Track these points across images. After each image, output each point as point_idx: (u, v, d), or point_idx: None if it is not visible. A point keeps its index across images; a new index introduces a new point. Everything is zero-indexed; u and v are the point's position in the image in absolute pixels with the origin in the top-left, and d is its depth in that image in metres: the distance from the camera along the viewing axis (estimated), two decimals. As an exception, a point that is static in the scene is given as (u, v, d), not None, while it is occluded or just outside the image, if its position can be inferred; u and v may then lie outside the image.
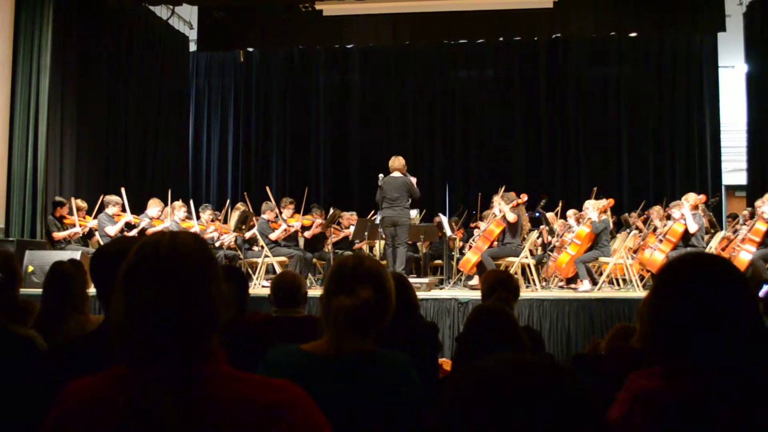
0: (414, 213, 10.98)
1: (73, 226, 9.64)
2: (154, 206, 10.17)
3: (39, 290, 3.84)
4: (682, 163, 14.85)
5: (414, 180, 9.34)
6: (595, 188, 10.67)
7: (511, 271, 8.62)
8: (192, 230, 9.86)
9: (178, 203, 10.31)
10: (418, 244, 10.78)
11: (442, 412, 0.88)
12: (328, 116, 16.23)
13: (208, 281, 1.32)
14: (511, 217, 9.18)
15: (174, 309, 1.26)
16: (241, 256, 10.22)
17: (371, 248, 11.33)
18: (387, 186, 9.15)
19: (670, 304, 1.59)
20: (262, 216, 10.31)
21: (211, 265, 1.35)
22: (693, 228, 8.81)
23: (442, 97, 15.85)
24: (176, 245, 1.32)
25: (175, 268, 1.30)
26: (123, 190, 9.95)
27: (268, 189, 11.14)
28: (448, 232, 10.29)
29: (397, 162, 9.26)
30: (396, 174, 9.20)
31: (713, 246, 9.49)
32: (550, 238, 10.88)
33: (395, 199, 9.09)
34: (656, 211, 10.47)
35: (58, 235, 9.53)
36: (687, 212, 8.87)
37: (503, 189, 9.81)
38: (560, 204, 11.58)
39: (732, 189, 15.04)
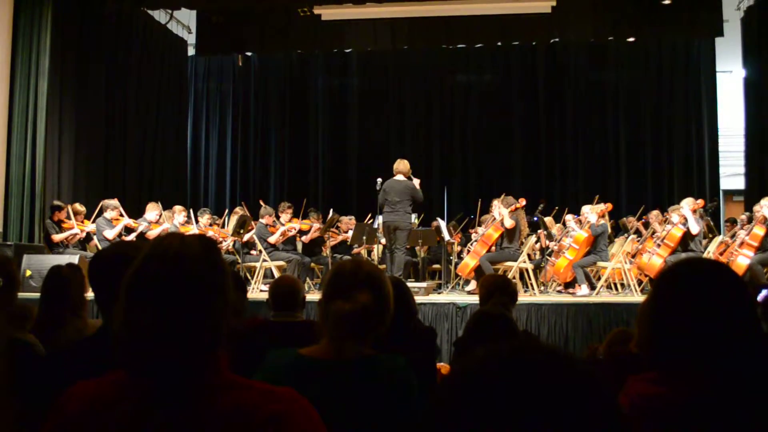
0: (413, 218, 10.98)
1: (72, 230, 9.63)
2: (152, 210, 10.16)
3: (37, 294, 3.83)
4: (680, 167, 14.85)
5: (417, 182, 9.29)
6: (597, 196, 10.66)
7: (510, 275, 8.62)
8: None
9: (179, 207, 10.30)
10: (416, 248, 10.77)
11: (446, 395, 0.87)
12: (327, 120, 16.22)
13: (213, 294, 1.29)
14: (509, 223, 9.17)
15: (174, 326, 1.24)
16: (239, 261, 10.21)
17: (369, 253, 11.33)
18: (389, 189, 9.11)
19: (668, 309, 1.59)
20: (261, 220, 10.30)
21: (219, 274, 1.32)
22: (695, 229, 8.80)
23: (441, 101, 15.84)
24: (182, 258, 1.29)
25: (179, 283, 1.27)
26: (116, 201, 9.90)
27: (262, 203, 11.13)
28: (447, 236, 10.28)
29: (401, 165, 9.22)
30: (399, 177, 9.15)
31: (711, 251, 9.50)
32: (548, 242, 10.88)
33: (397, 203, 9.04)
34: (655, 215, 10.49)
35: (57, 237, 9.51)
36: (689, 214, 8.85)
37: (504, 195, 9.76)
38: (565, 210, 11.52)
39: (730, 193, 15.06)
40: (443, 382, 0.88)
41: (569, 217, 10.83)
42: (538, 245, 10.92)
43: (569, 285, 10.10)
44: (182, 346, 1.24)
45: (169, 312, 1.24)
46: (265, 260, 9.93)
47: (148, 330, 1.23)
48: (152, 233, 9.81)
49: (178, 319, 1.24)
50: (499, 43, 13.94)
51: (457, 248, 10.87)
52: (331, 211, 11.10)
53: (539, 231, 10.91)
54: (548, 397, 0.80)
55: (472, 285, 9.45)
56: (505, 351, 0.86)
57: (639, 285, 9.62)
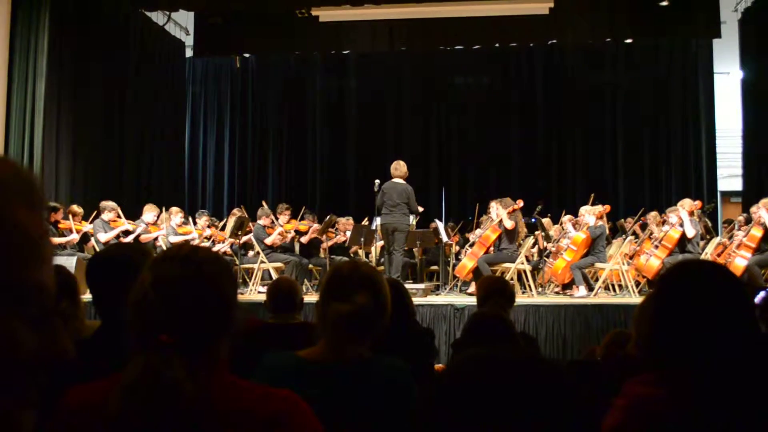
0: (410, 219, 10.98)
1: (69, 230, 9.61)
2: (149, 212, 10.12)
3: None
4: (678, 169, 14.88)
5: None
6: (592, 195, 10.68)
7: (507, 277, 8.62)
8: (189, 236, 9.86)
9: (175, 209, 10.29)
10: (414, 250, 10.77)
11: (431, 397, 0.89)
12: (325, 122, 16.24)
13: (225, 281, 1.36)
14: (509, 224, 9.18)
15: (196, 292, 1.30)
16: (237, 262, 10.20)
17: (367, 254, 11.32)
18: (388, 191, 9.14)
19: (668, 310, 1.60)
20: (258, 222, 10.30)
21: (229, 271, 1.40)
22: (691, 232, 8.81)
23: (439, 102, 15.86)
24: (198, 249, 1.40)
25: (198, 260, 1.34)
26: (113, 203, 9.89)
27: (264, 204, 11.13)
28: (444, 238, 10.29)
29: (399, 167, 9.25)
30: (398, 180, 9.17)
31: (709, 252, 9.50)
32: (546, 243, 10.88)
33: (395, 205, 9.06)
34: (653, 216, 10.49)
35: (54, 240, 9.49)
36: (685, 216, 8.86)
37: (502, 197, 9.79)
38: (563, 212, 11.51)
39: (727, 195, 15.07)
40: (429, 385, 0.90)
41: (566, 219, 10.84)
42: (535, 247, 10.92)
43: (567, 286, 10.10)
44: (199, 326, 1.29)
45: (191, 272, 1.31)
46: (262, 262, 9.92)
47: (173, 284, 1.30)
48: (148, 237, 9.77)
49: (199, 279, 1.31)
50: (497, 45, 13.96)
51: (455, 249, 10.88)
52: (329, 217, 11.10)
53: (537, 232, 10.91)
54: (519, 396, 0.82)
55: (473, 287, 9.45)
56: (482, 356, 0.89)
57: (637, 286, 9.62)
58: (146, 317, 1.28)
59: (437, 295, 9.48)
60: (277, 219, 10.47)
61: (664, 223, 9.51)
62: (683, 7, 11.88)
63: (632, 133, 15.13)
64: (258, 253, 10.01)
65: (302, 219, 11.25)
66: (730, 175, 14.48)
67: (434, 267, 11.40)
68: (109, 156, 12.19)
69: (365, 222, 11.40)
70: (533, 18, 12.09)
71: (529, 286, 9.43)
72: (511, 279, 8.92)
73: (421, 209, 9.42)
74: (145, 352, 1.24)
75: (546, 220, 11.38)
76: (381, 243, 9.98)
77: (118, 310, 1.33)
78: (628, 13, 12.15)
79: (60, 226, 9.66)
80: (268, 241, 10.05)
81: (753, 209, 8.83)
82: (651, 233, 10.00)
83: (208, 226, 10.77)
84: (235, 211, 11.57)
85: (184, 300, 1.28)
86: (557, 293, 10.18)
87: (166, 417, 1.21)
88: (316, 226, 10.91)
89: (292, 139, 16.25)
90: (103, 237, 9.43)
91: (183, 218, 10.25)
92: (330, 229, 11.05)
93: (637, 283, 9.78)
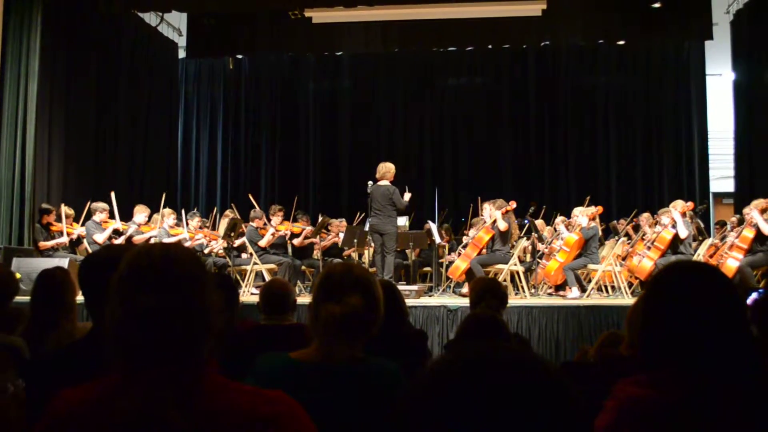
0: (403, 221, 10.97)
1: (60, 233, 9.58)
2: (140, 212, 10.10)
3: (26, 297, 3.80)
4: (670, 170, 14.90)
5: (408, 196, 9.27)
6: (588, 197, 10.70)
7: (500, 278, 8.63)
8: (181, 237, 9.84)
9: (168, 210, 10.27)
10: (407, 251, 10.77)
11: (415, 397, 0.87)
12: (318, 123, 16.21)
13: (201, 286, 1.32)
14: (503, 226, 9.19)
15: (172, 312, 1.26)
16: (230, 264, 10.19)
17: (360, 255, 11.32)
18: (373, 194, 9.14)
19: (660, 311, 1.60)
20: (251, 223, 10.29)
21: (203, 272, 1.36)
22: (684, 233, 8.83)
23: (432, 104, 15.86)
24: (168, 253, 1.34)
25: (170, 272, 1.30)
26: (113, 194, 9.87)
27: (251, 196, 11.15)
28: (437, 239, 10.29)
29: (383, 169, 9.24)
30: (383, 182, 9.17)
31: (701, 253, 9.52)
32: (539, 244, 10.88)
33: (381, 208, 9.06)
34: (646, 218, 10.52)
35: (45, 244, 9.47)
36: (678, 217, 8.87)
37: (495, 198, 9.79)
38: (557, 213, 11.52)
39: (719, 196, 15.12)
40: (411, 383, 0.89)
41: (559, 220, 10.86)
42: (530, 246, 10.92)
43: (560, 288, 10.11)
44: (179, 331, 1.26)
45: (164, 298, 1.27)
46: (255, 263, 9.91)
47: (148, 318, 1.25)
48: (140, 237, 9.74)
49: (174, 304, 1.27)
50: (490, 46, 13.96)
51: (449, 252, 10.88)
52: (320, 216, 11.10)
53: (532, 234, 10.92)
54: (507, 396, 0.81)
55: (467, 288, 9.45)
56: (466, 353, 0.88)
57: (629, 287, 9.64)
58: (124, 347, 1.26)
59: (430, 296, 9.48)
60: (269, 220, 10.47)
61: (656, 224, 9.53)
62: (675, 9, 11.92)
63: (624, 135, 15.16)
64: (251, 254, 9.99)
65: (295, 221, 11.25)
66: (722, 176, 14.53)
67: (427, 268, 11.40)
68: (102, 157, 12.17)
69: (358, 219, 11.41)
70: (526, 19, 12.10)
71: (522, 287, 9.45)
72: (504, 280, 8.94)
73: (408, 196, 9.29)
74: (135, 389, 1.23)
75: (539, 222, 11.39)
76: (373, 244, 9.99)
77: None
78: (621, 15, 12.18)
79: (52, 228, 9.63)
80: (262, 243, 10.04)
81: (745, 210, 8.86)
82: (644, 234, 10.02)
83: (200, 228, 10.75)
84: (227, 212, 11.57)
85: (160, 329, 1.25)
86: (550, 294, 10.19)
87: None
88: (308, 228, 10.91)
89: (285, 140, 16.22)
90: (100, 238, 9.40)
91: (176, 219, 10.24)
92: (323, 231, 11.05)
93: (630, 285, 9.81)
